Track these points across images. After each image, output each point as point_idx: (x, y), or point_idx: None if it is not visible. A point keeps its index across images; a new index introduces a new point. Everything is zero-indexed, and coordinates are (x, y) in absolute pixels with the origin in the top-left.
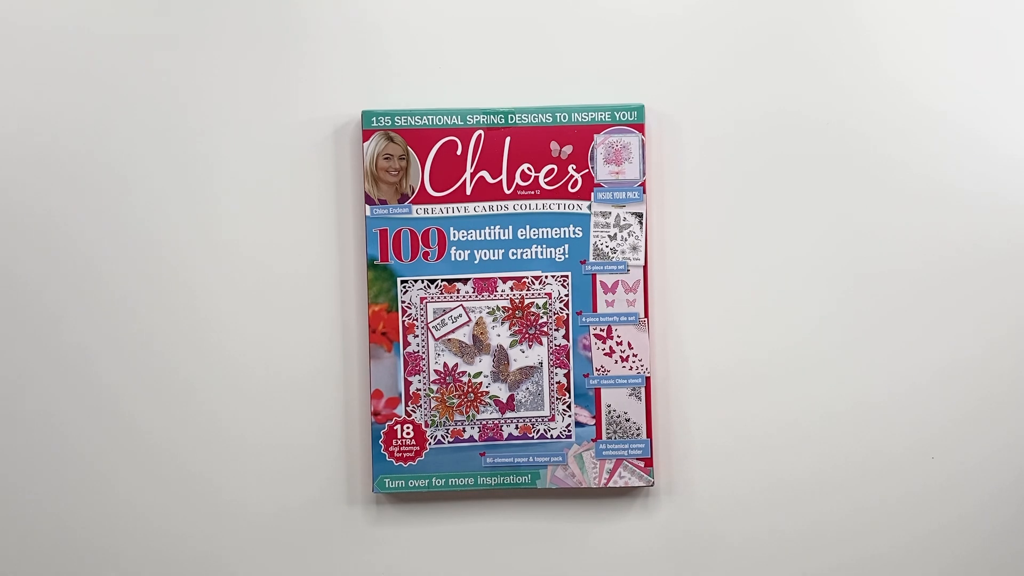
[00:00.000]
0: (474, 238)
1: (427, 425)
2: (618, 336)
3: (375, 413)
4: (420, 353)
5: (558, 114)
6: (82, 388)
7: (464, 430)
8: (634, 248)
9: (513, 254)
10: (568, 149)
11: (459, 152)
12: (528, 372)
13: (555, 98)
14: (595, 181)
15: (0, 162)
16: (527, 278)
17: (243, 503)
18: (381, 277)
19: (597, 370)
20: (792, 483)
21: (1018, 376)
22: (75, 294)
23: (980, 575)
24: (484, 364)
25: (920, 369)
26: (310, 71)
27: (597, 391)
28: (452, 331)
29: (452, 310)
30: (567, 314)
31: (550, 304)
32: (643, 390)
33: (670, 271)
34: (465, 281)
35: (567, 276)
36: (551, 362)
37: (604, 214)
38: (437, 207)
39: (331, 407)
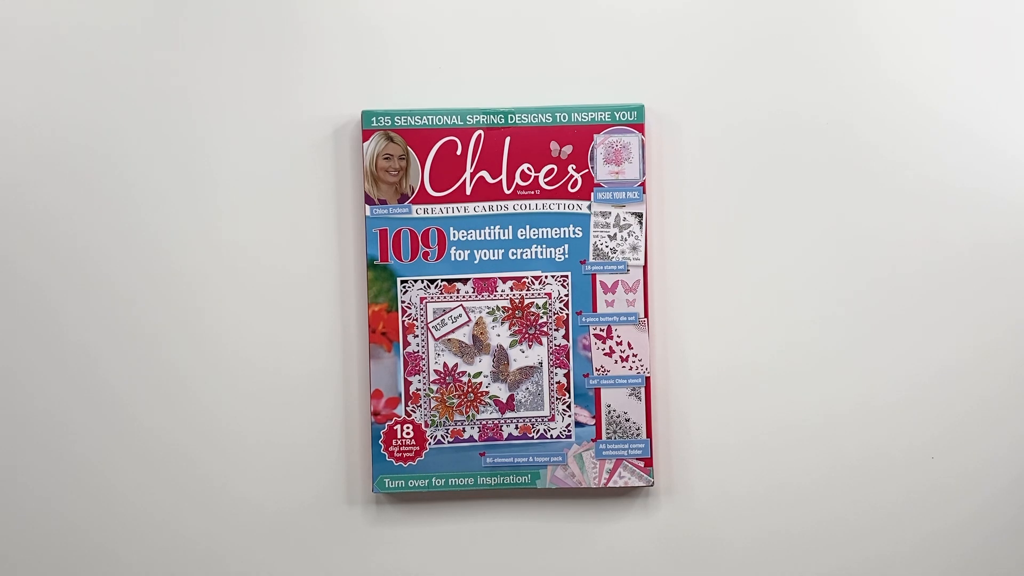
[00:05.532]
0: (474, 238)
1: (427, 425)
2: (618, 336)
3: (375, 413)
4: (420, 353)
5: (558, 114)
6: (83, 385)
7: (464, 430)
8: (634, 248)
9: (513, 254)
10: (568, 149)
11: (459, 152)
12: (528, 372)
13: (555, 98)
14: (595, 181)
15: (3, 159)
16: (527, 278)
17: (243, 503)
18: (381, 277)
19: (597, 370)
20: (792, 483)
21: (1019, 377)
22: (76, 292)
23: None
24: (484, 364)
25: (921, 370)
26: (310, 71)
27: (597, 391)
28: (452, 331)
29: (452, 310)
30: (567, 314)
31: (550, 304)
32: (643, 390)
33: (670, 271)
34: (465, 281)
35: (567, 276)
36: (551, 362)
37: (604, 214)
38: (437, 207)
39: (331, 407)
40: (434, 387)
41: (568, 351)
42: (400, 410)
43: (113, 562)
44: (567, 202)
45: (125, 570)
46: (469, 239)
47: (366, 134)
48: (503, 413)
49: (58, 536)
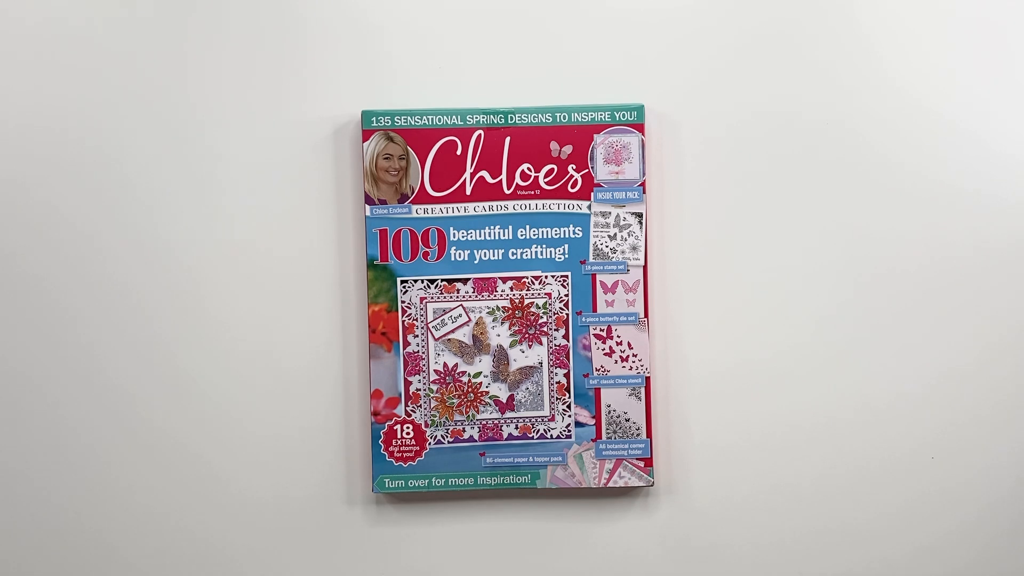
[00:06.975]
0: (474, 238)
1: (427, 425)
2: (618, 336)
3: (375, 413)
4: (420, 353)
5: (558, 114)
6: (87, 381)
7: (464, 430)
8: (634, 248)
9: (513, 254)
10: (568, 149)
11: (459, 152)
12: (528, 372)
13: (555, 98)
14: (595, 181)
15: (7, 158)
16: (527, 278)
17: (242, 502)
18: (381, 277)
19: (597, 370)
20: (792, 484)
21: (1020, 378)
22: (80, 288)
23: None
24: (484, 364)
25: (921, 370)
26: (310, 71)
27: (597, 391)
28: (452, 331)
29: (452, 310)
30: (567, 314)
31: (550, 304)
32: (643, 390)
33: (670, 271)
34: (465, 281)
35: (567, 276)
36: (551, 362)
37: (604, 214)
38: (437, 207)
39: (331, 407)
40: (434, 387)
41: (568, 351)
42: (400, 410)
43: (114, 557)
44: (567, 202)
45: (126, 567)
46: (469, 239)
47: (366, 134)
48: (503, 413)
49: (56, 527)
